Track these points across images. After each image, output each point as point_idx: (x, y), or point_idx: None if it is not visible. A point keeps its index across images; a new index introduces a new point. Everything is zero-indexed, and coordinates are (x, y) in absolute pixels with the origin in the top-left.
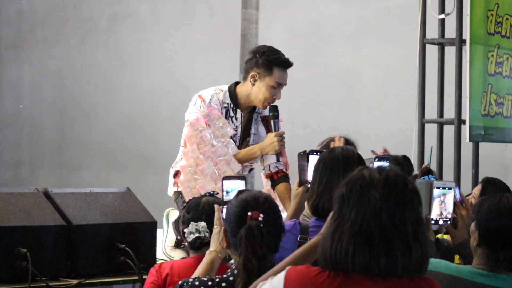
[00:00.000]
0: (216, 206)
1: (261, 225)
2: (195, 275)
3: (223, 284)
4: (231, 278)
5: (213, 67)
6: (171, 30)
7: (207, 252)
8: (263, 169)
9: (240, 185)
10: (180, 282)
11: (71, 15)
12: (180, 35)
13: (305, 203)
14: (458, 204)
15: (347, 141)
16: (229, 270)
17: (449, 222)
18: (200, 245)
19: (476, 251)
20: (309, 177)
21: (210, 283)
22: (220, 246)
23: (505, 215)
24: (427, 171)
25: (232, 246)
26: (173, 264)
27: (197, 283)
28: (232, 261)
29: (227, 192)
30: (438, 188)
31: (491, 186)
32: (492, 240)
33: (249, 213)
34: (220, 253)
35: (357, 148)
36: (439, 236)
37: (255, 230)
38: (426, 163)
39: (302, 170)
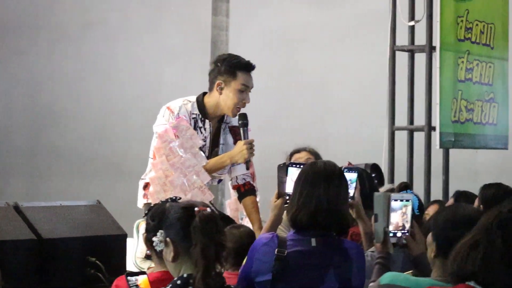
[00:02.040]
0: None
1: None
2: None
3: None
4: None
5: (183, 75)
6: (141, 37)
7: None
8: (230, 180)
9: None
10: None
11: (41, 23)
12: (150, 42)
13: (283, 215)
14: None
15: (314, 153)
16: (168, 285)
17: (407, 234)
18: None
19: (434, 263)
20: (288, 189)
21: None
22: None
23: (462, 225)
24: (405, 186)
25: (183, 251)
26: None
27: None
28: None
29: None
30: (396, 200)
31: (463, 198)
32: (450, 250)
33: (196, 208)
34: None
35: (321, 158)
36: None
37: (209, 216)
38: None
39: (281, 182)
